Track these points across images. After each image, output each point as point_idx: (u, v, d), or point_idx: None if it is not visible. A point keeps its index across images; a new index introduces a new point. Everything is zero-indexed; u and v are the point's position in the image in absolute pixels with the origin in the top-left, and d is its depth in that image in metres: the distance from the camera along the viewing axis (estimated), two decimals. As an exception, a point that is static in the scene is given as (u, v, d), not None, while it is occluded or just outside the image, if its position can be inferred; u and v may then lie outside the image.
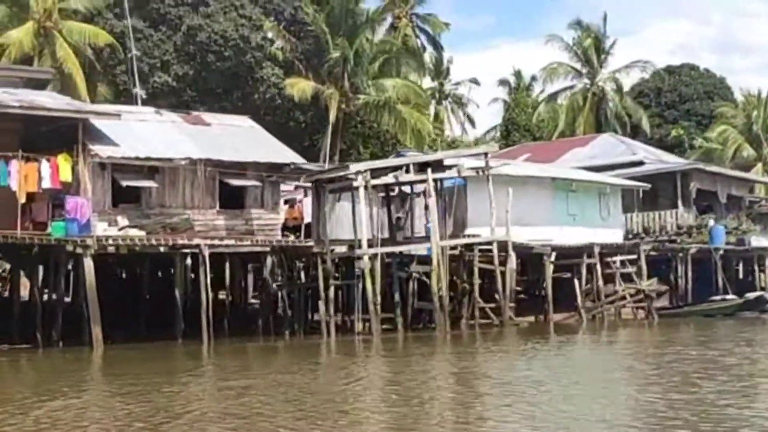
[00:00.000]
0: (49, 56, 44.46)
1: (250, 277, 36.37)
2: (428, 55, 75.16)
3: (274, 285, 29.73)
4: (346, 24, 50.95)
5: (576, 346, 28.27)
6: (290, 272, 30.30)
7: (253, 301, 35.36)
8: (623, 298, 36.67)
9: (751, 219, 49.97)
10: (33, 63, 44.51)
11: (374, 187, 29.12)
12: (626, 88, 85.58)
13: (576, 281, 36.14)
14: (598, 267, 36.34)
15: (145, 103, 45.99)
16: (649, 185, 43.90)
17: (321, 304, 28.52)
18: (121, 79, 47.12)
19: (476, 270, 31.53)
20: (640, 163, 48.13)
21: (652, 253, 41.38)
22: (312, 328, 30.25)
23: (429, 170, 28.85)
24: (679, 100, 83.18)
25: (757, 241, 46.18)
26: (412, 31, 71.59)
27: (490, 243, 31.09)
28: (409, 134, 52.55)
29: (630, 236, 45.13)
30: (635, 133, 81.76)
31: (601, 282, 36.40)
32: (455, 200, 34.53)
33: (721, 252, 42.59)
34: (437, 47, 74.44)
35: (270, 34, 49.57)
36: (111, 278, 32.31)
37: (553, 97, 78.18)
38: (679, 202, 45.83)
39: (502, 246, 32.52)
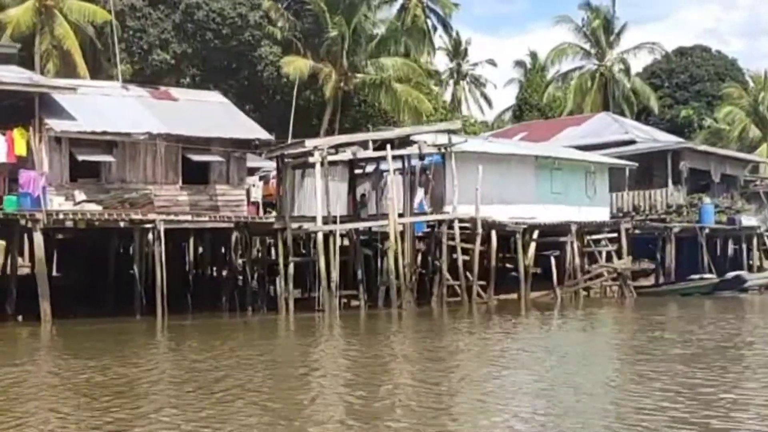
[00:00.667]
0: (49, 34, 43.47)
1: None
2: (446, 37, 73.43)
3: (239, 261, 28.52)
4: (344, 2, 49.32)
5: (523, 326, 26.55)
6: (254, 248, 29.00)
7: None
8: (599, 276, 35.06)
9: (746, 198, 48.10)
10: (34, 40, 43.65)
11: (334, 163, 27.77)
12: (639, 69, 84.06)
13: (552, 259, 34.61)
14: (575, 245, 34.76)
15: (144, 81, 45.13)
16: (637, 164, 42.19)
17: (278, 281, 27.24)
18: (120, 57, 45.94)
19: (444, 247, 30.02)
20: (632, 142, 46.33)
21: (637, 231, 39.87)
22: (276, 305, 28.98)
23: (388, 147, 27.34)
24: (690, 81, 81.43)
25: (748, 220, 44.30)
26: (422, 11, 70.05)
27: (451, 220, 29.44)
28: (406, 112, 51.00)
29: (620, 214, 43.62)
30: (647, 113, 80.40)
31: (577, 260, 34.83)
32: (432, 177, 33.14)
33: (707, 231, 40.81)
34: (447, 27, 72.27)
35: (269, 13, 48.01)
36: (79, 253, 31.30)
37: (563, 77, 76.23)
38: (669, 181, 44.05)
39: (485, 224, 31.24)
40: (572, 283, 34.55)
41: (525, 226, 33.69)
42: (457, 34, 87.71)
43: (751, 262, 42.52)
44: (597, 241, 36.69)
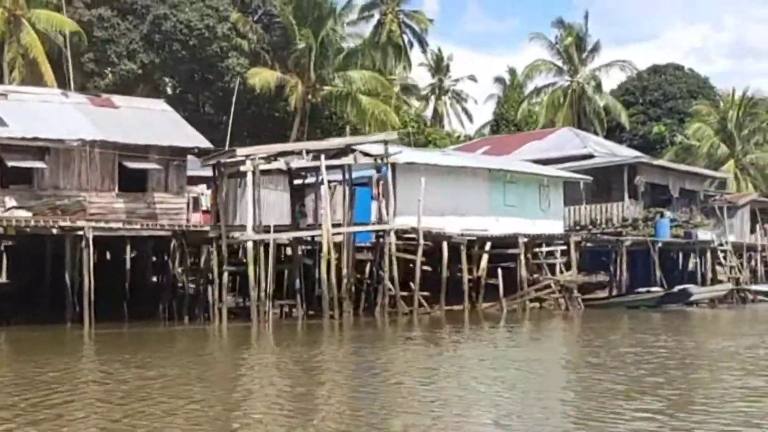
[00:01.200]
0: (16, 42, 42.55)
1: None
2: (421, 53, 72.56)
3: (179, 269, 27.46)
4: (312, 16, 48.40)
5: (452, 338, 25.57)
6: (191, 257, 27.92)
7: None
8: (546, 288, 34.02)
9: (705, 213, 47.12)
10: (2, 49, 42.79)
11: (271, 172, 26.73)
12: (613, 86, 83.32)
13: (499, 271, 33.59)
14: (522, 257, 33.72)
15: (114, 91, 44.25)
16: (591, 178, 41.25)
17: (211, 290, 26.18)
18: (88, 67, 45.11)
19: (386, 258, 28.93)
20: (590, 156, 45.37)
21: (589, 245, 38.89)
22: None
23: (322, 157, 26.30)
24: (663, 99, 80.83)
25: (704, 234, 43.26)
26: (397, 26, 69.26)
27: (384, 230, 28.38)
28: (373, 125, 50.02)
29: (577, 227, 42.72)
30: (620, 129, 79.68)
31: (524, 272, 33.78)
32: (380, 188, 32.12)
33: (660, 245, 39.76)
34: (423, 43, 71.37)
35: (238, 25, 47.05)
36: (23, 260, 30.21)
37: (537, 93, 75.36)
38: (626, 195, 43.08)
39: (429, 234, 30.29)
40: (519, 295, 33.49)
41: (470, 238, 32.62)
42: (439, 50, 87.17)
43: (705, 275, 41.38)
44: (547, 254, 35.71)
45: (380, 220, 30.66)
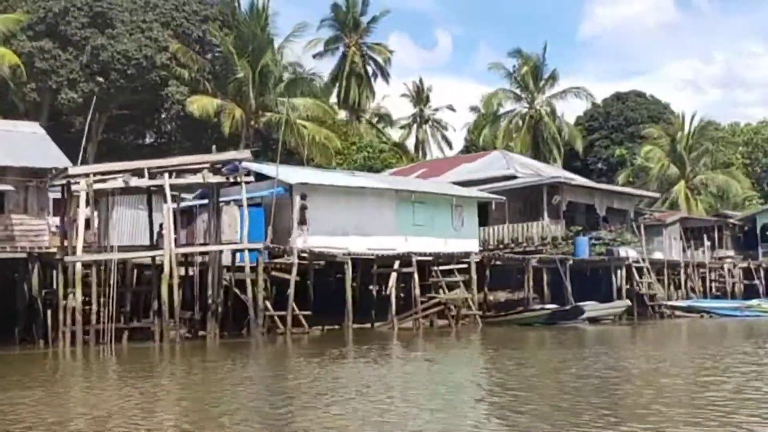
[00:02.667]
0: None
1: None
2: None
3: (43, 292, 24.65)
4: (252, 46, 45.88)
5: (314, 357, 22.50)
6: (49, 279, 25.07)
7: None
8: (436, 306, 30.92)
9: (634, 231, 43.81)
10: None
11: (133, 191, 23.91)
12: (580, 113, 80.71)
13: (393, 290, 30.62)
14: (416, 276, 30.72)
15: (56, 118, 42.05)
16: (504, 198, 38.36)
17: (51, 314, 23.31)
18: (30, 96, 42.76)
19: (260, 279, 26.07)
20: (513, 177, 42.27)
21: (498, 263, 35.85)
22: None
23: (166, 176, 23.46)
24: (625, 124, 78.47)
25: (625, 252, 40.01)
26: (360, 58, 66.64)
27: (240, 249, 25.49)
28: (314, 149, 47.29)
29: (501, 246, 39.78)
30: (585, 153, 77.03)
31: (417, 290, 30.75)
32: (274, 209, 29.29)
33: (571, 262, 36.60)
34: (384, 74, 68.60)
35: (177, 55, 44.49)
36: None
37: (497, 119, 72.29)
38: (545, 214, 39.98)
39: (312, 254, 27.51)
40: (409, 313, 30.46)
41: (358, 258, 29.69)
42: (420, 81, 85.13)
43: (620, 291, 38.03)
44: (448, 272, 32.66)
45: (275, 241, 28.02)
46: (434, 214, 35.51)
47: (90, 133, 45.40)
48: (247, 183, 25.44)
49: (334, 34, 66.75)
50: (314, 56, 67.16)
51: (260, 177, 30.88)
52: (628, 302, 34.98)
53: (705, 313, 38.39)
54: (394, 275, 31.29)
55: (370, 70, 68.29)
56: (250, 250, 26.74)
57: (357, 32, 66.43)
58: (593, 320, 33.31)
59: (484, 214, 41.76)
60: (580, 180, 44.01)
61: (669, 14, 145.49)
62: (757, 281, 47.51)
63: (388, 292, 31.04)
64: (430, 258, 31.78)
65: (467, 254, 32.96)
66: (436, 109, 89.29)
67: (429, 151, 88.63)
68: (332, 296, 30.00)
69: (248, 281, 26.06)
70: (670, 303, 39.41)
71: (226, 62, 46.09)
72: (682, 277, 43.59)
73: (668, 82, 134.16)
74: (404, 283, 31.67)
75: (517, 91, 70.57)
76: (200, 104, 43.91)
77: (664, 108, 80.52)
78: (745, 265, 47.97)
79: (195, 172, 24.32)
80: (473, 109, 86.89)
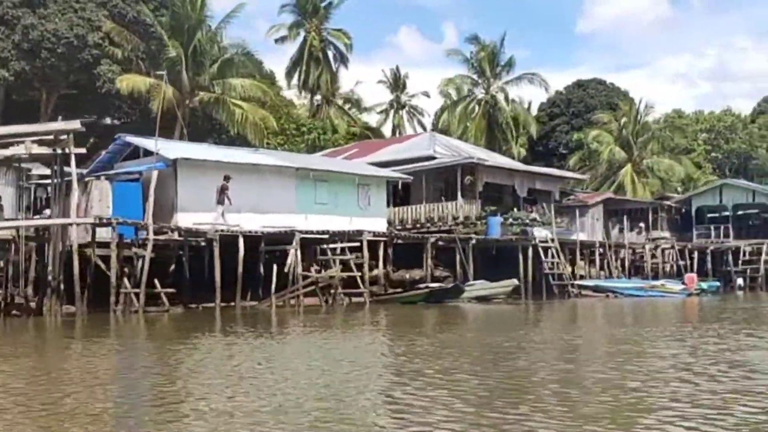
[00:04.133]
0: None
1: None
2: (343, 69, 66.97)
3: None
4: (186, 25, 43.51)
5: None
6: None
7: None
8: (313, 284, 28.57)
9: (558, 212, 41.37)
10: None
11: None
12: (543, 99, 78.44)
13: (275, 267, 28.30)
14: (298, 254, 28.40)
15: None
16: (411, 177, 36.08)
17: None
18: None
19: (114, 255, 23.81)
20: (433, 158, 39.79)
21: (399, 241, 33.42)
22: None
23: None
24: (585, 110, 75.56)
25: (539, 233, 37.63)
26: (319, 43, 64.03)
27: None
28: (249, 129, 44.96)
29: (418, 225, 37.55)
30: (547, 138, 75.15)
31: (299, 269, 28.42)
32: (156, 185, 26.98)
33: (474, 242, 34.21)
34: (343, 59, 65.90)
35: (111, 34, 42.06)
36: None
37: (455, 105, 69.64)
38: (459, 194, 37.57)
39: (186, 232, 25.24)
40: (290, 290, 28.12)
41: (233, 234, 27.32)
42: (397, 68, 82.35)
43: (526, 270, 35.61)
44: (341, 250, 30.33)
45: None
46: (338, 192, 33.23)
47: (39, 112, 43.51)
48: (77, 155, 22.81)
49: (295, 19, 64.18)
50: (276, 41, 64.84)
51: (148, 153, 28.73)
52: (515, 281, 32.51)
53: (611, 292, 35.98)
54: (292, 252, 29.02)
55: (330, 54, 65.63)
56: (119, 224, 24.47)
57: (317, 17, 63.81)
58: (483, 299, 30.90)
59: (407, 194, 39.51)
60: (498, 161, 41.40)
61: (663, 11, 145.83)
62: (684, 262, 44.99)
63: (286, 270, 28.70)
64: (318, 237, 29.39)
65: (359, 233, 30.57)
66: (412, 96, 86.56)
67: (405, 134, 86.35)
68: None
69: (113, 257, 23.85)
70: (578, 283, 36.98)
71: (161, 42, 43.65)
72: (604, 257, 41.07)
73: (662, 76, 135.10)
74: (303, 262, 29.31)
75: (474, 76, 67.98)
76: (130, 83, 41.57)
77: (624, 95, 78.10)
78: (669, 246, 45.41)
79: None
80: (446, 95, 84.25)
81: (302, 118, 56.06)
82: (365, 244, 30.26)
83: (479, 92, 68.16)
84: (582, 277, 39.27)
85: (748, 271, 47.66)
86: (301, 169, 32.05)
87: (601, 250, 40.69)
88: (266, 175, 31.23)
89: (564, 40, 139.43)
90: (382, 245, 32.13)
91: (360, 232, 30.50)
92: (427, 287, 30.07)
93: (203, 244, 27.53)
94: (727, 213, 50.37)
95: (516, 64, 67.90)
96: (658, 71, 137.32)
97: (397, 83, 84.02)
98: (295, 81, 64.54)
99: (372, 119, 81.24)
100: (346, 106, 73.04)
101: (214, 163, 29.43)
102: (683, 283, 37.02)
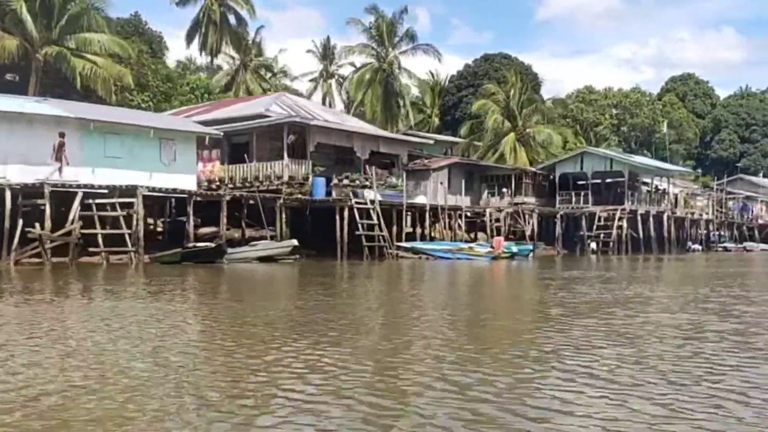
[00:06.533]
0: None
1: None
2: (244, 30, 61.44)
3: None
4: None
5: None
6: None
7: None
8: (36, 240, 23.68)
9: (407, 175, 36.84)
10: None
11: None
12: (453, 71, 74.13)
13: (20, 223, 23.46)
14: (48, 209, 23.54)
15: None
16: (222, 133, 31.06)
17: None
18: None
19: None
20: (265, 116, 34.85)
21: (198, 199, 28.57)
22: None
23: None
24: (489, 82, 70.56)
25: (369, 195, 33.04)
26: (218, 7, 58.52)
27: None
28: (100, 84, 39.73)
29: (248, 183, 32.89)
30: (454, 107, 71.17)
31: (48, 225, 23.58)
32: None
33: (281, 201, 29.57)
34: (241, 21, 60.42)
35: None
36: None
37: (356, 72, 64.68)
38: (285, 154, 32.77)
39: None
40: (30, 248, 23.33)
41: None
42: (327, 39, 77.29)
43: (341, 234, 31.05)
44: (108, 207, 25.49)
45: None
46: (134, 146, 28.30)
47: None
48: None
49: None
50: (177, 4, 59.16)
51: None
52: (294, 241, 27.83)
53: (423, 254, 31.52)
54: (75, 207, 24.27)
55: (232, 19, 60.14)
56: None
57: (216, -18, 58.30)
58: (265, 259, 26.27)
59: (247, 152, 34.76)
60: (332, 123, 36.46)
61: (612, 2, 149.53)
62: (524, 225, 40.65)
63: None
64: (78, 190, 24.53)
65: (134, 188, 25.70)
66: (341, 65, 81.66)
67: (334, 103, 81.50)
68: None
69: None
70: (400, 244, 32.50)
71: (9, -4, 38.21)
72: (448, 219, 36.59)
73: (610, 61, 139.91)
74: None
75: (374, 45, 62.83)
76: (-31, 33, 36.18)
77: (527, 69, 73.51)
78: (512, 210, 40.93)
79: None
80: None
81: (180, 77, 50.63)
82: (139, 199, 25.43)
83: (377, 61, 63.08)
84: (415, 239, 34.87)
85: (602, 235, 43.62)
86: (84, 120, 27.03)
87: (442, 213, 36.11)
88: (39, 125, 26.24)
89: (524, 27, 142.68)
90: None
91: (134, 187, 25.63)
92: (193, 246, 25.27)
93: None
94: (587, 180, 46.11)
95: (417, 37, 63.08)
96: (607, 57, 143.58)
97: (326, 54, 78.98)
98: (195, 43, 59.26)
99: (303, 87, 76.69)
100: (266, 73, 68.08)
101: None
102: (492, 247, 32.56)
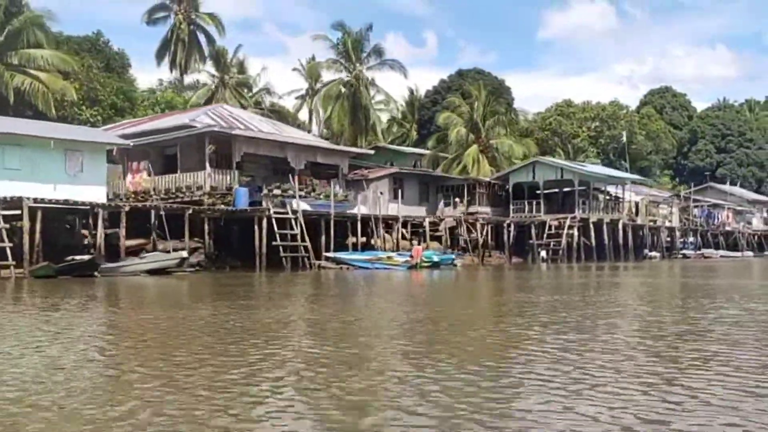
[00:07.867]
0: None
1: None
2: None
3: None
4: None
5: None
6: None
7: None
8: None
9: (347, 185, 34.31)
10: None
11: None
12: (429, 87, 71.75)
13: None
14: None
15: None
16: (131, 143, 28.57)
17: None
18: None
19: None
20: (189, 127, 32.40)
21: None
22: None
23: None
24: (463, 96, 68.03)
25: (297, 205, 30.49)
26: (186, 26, 56.47)
27: None
28: (39, 98, 37.55)
29: (171, 194, 30.43)
30: (430, 122, 68.68)
31: None
32: None
33: (190, 212, 26.98)
34: (210, 40, 58.29)
35: None
36: None
37: (324, 87, 62.38)
38: (207, 164, 30.30)
39: None
40: None
41: None
42: (313, 58, 74.69)
43: (261, 246, 28.38)
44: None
45: None
46: (36, 158, 25.90)
47: None
48: None
49: (162, 2, 56.63)
50: (147, 23, 57.23)
51: None
52: (183, 253, 25.18)
53: (345, 264, 28.85)
54: None
55: (202, 37, 58.08)
56: None
57: (185, 2, 56.25)
58: (155, 272, 23.70)
59: (175, 163, 32.35)
60: (261, 133, 33.89)
61: (611, 22, 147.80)
62: (478, 234, 37.97)
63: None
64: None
65: (19, 200, 23.31)
66: (325, 84, 79.59)
67: (320, 119, 79.29)
68: None
69: None
70: (326, 255, 29.87)
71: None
72: (387, 230, 33.88)
73: (611, 79, 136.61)
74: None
75: (342, 61, 60.48)
76: None
77: (500, 84, 71.09)
78: (456, 220, 38.15)
79: None
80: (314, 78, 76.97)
81: (145, 93, 48.40)
82: (25, 211, 23.03)
83: (344, 76, 60.71)
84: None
85: (551, 244, 40.77)
86: (-18, 132, 24.75)
87: (377, 223, 33.42)
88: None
89: (527, 46, 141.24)
90: (100, 214, 25.03)
91: (20, 199, 23.22)
92: (71, 259, 22.73)
93: None
94: (539, 190, 43.33)
95: (385, 53, 60.75)
96: (607, 75, 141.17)
97: (311, 72, 76.82)
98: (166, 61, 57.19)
99: (289, 104, 74.63)
100: (246, 92, 65.94)
101: None
102: (411, 256, 29.83)
